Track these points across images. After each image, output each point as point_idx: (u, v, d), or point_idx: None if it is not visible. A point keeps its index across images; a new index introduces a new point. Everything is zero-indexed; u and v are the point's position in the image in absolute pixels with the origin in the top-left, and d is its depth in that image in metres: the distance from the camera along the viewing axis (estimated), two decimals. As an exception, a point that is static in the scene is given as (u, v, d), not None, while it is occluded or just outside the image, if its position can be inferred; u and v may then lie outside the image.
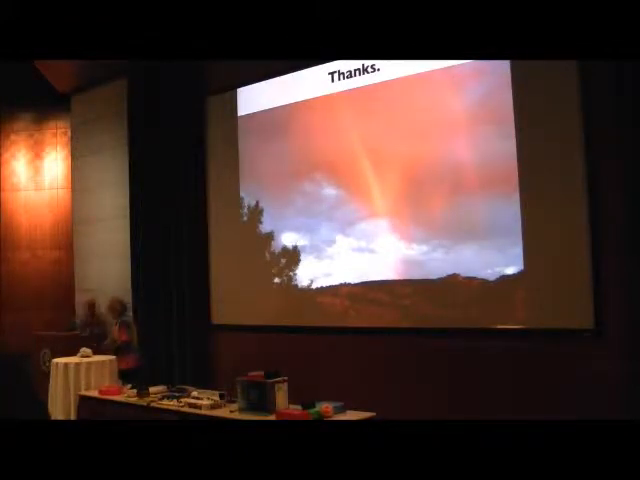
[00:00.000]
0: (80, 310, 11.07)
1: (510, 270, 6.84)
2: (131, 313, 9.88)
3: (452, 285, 7.22)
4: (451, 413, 6.68)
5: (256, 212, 9.01)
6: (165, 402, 6.81)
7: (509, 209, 6.83)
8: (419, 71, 7.50)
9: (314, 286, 8.41)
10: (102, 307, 10.15)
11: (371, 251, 7.89)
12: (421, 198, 7.50)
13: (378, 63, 7.87)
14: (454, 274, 7.20)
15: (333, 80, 8.27)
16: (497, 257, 6.92)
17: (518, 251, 6.78)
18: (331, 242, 8.26)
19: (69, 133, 12.22)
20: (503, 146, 6.90)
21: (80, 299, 11.13)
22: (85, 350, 8.64)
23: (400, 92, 7.69)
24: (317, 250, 8.40)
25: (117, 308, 9.73)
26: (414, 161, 7.55)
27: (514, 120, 6.84)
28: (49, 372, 8.60)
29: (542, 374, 6.52)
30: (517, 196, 6.78)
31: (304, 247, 8.54)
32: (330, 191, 8.27)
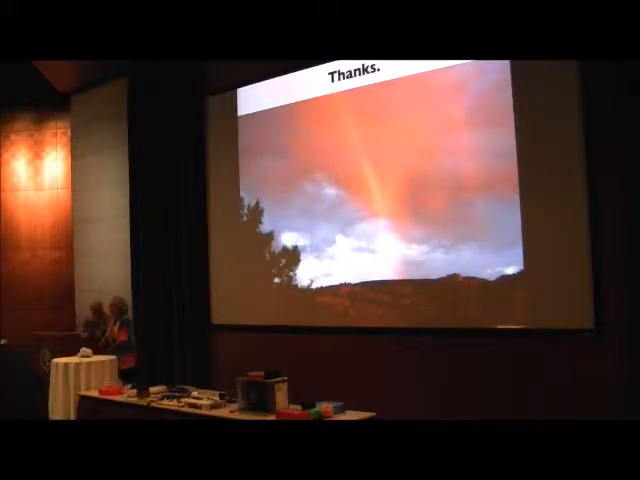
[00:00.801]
0: (80, 310, 11.07)
1: (510, 270, 6.83)
2: (131, 313, 9.89)
3: (452, 285, 7.21)
4: (451, 413, 6.68)
5: (256, 212, 9.01)
6: (165, 402, 6.82)
7: (509, 209, 6.82)
8: (419, 71, 7.50)
9: (314, 286, 8.40)
10: (104, 306, 10.17)
11: (371, 251, 7.89)
12: (421, 198, 7.50)
13: (378, 63, 7.87)
14: (454, 274, 7.19)
15: (333, 80, 8.27)
16: (497, 257, 6.91)
17: (518, 251, 6.77)
18: (331, 242, 8.26)
19: (69, 133, 12.22)
20: (503, 146, 6.90)
21: (80, 299, 11.12)
22: (85, 350, 8.66)
23: (400, 92, 7.69)
24: (317, 250, 8.39)
25: (120, 307, 9.77)
26: (414, 161, 7.55)
27: (514, 120, 6.84)
28: (49, 372, 8.61)
29: (542, 374, 6.52)
30: (517, 196, 6.78)
31: (304, 247, 8.53)
32: (330, 191, 8.27)
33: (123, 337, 9.61)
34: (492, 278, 6.93)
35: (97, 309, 10.21)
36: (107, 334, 9.76)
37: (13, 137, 12.92)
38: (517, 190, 6.77)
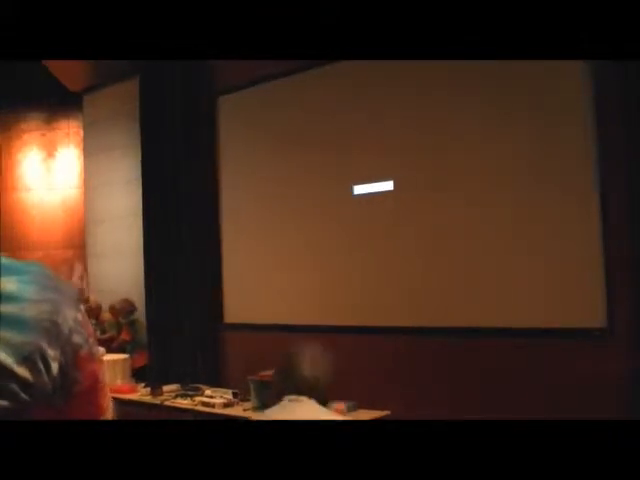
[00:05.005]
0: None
1: (520, 269, 6.81)
2: (144, 312, 9.93)
3: (463, 283, 7.19)
4: (462, 413, 6.66)
5: (269, 210, 8.98)
6: (178, 400, 6.85)
7: (519, 207, 6.81)
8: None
9: (327, 284, 8.36)
10: (114, 307, 10.22)
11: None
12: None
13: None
14: (465, 272, 7.17)
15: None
16: (507, 255, 6.90)
17: (529, 249, 6.76)
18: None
19: (81, 132, 12.23)
20: (511, 144, 6.87)
21: (93, 299, 11.13)
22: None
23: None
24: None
25: (125, 308, 9.83)
26: (419, 162, 7.53)
27: (526, 118, 6.81)
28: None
29: (553, 373, 6.50)
30: (528, 194, 6.76)
31: (317, 244, 8.50)
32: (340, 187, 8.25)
33: (125, 337, 9.70)
34: (504, 276, 6.91)
35: (113, 309, 10.29)
36: (120, 335, 9.87)
37: (25, 137, 12.93)
38: (527, 188, 6.76)
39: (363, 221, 8.01)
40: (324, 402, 3.23)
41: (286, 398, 3.12)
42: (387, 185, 7.77)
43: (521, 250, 6.82)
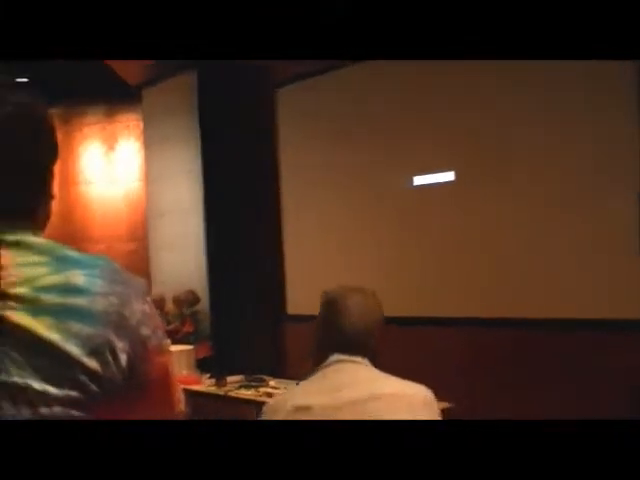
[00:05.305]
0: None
1: (566, 259, 6.74)
2: (207, 304, 9.99)
3: (523, 275, 7.11)
4: (506, 411, 6.57)
5: (330, 201, 8.96)
6: (242, 391, 6.87)
7: (581, 198, 6.74)
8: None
9: (388, 274, 8.30)
10: (178, 298, 10.30)
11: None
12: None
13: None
14: (525, 264, 7.09)
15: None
16: (551, 246, 6.82)
17: (572, 240, 6.68)
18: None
19: (141, 125, 12.30)
20: (572, 141, 6.80)
21: (156, 291, 11.21)
22: (162, 341, 8.76)
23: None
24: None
25: (189, 299, 9.91)
26: (481, 154, 7.46)
27: (587, 114, 6.72)
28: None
29: (606, 366, 6.37)
30: (586, 188, 6.70)
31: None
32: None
33: (188, 328, 9.78)
34: (548, 267, 6.85)
35: (177, 301, 10.40)
36: (178, 325, 9.98)
37: (86, 130, 13.07)
38: (586, 183, 6.70)
39: (423, 212, 7.96)
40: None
41: (333, 358, 2.32)
42: (448, 176, 7.72)
43: (579, 244, 6.76)
